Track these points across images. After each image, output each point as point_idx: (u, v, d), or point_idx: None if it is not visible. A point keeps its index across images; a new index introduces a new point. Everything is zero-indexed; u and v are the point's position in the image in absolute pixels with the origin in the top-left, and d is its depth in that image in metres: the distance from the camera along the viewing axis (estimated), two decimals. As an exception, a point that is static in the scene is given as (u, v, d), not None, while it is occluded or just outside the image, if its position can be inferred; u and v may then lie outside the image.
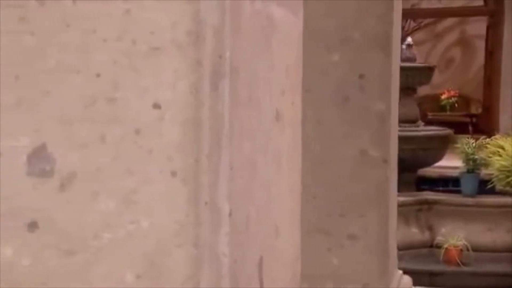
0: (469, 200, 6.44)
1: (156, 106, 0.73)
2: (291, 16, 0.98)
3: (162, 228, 0.74)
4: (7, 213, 0.75)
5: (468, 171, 6.49)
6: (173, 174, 0.73)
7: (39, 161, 0.74)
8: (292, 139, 1.01)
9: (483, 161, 6.36)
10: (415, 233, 6.35)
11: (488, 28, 11.50)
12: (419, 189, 7.02)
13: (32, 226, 0.75)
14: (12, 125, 0.74)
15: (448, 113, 9.56)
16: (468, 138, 6.77)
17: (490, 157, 6.34)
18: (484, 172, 6.48)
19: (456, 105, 9.60)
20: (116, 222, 0.74)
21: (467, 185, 6.50)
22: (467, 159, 6.44)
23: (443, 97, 9.52)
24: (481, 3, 11.77)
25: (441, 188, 7.08)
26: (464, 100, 11.11)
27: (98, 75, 0.74)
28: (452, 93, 9.61)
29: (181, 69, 0.73)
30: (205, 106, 0.73)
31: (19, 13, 0.73)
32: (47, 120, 0.74)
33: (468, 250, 5.99)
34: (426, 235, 6.47)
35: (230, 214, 0.75)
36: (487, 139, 6.60)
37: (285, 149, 0.98)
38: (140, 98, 0.74)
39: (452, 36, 12.59)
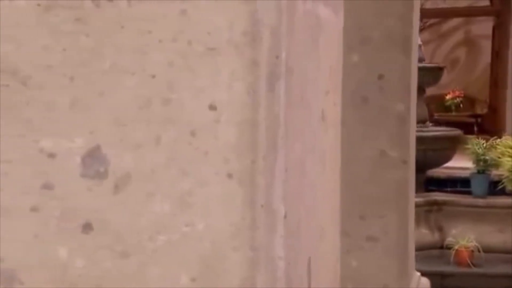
0: (480, 201, 6.43)
1: (212, 107, 0.73)
2: (334, 16, 0.98)
3: (218, 231, 0.73)
4: (62, 215, 0.74)
5: (479, 172, 6.47)
6: (229, 175, 0.73)
7: (93, 162, 0.74)
8: (334, 139, 1.01)
9: (493, 162, 6.35)
10: (425, 234, 6.33)
11: (494, 28, 11.49)
12: (427, 190, 7.01)
13: (87, 227, 0.74)
14: (67, 126, 0.74)
15: (453, 113, 9.55)
16: (479, 138, 6.75)
17: (499, 157, 6.32)
18: (494, 173, 6.46)
19: (461, 105, 9.59)
20: (171, 224, 0.74)
21: (478, 186, 6.48)
22: (478, 160, 6.42)
23: (448, 97, 9.51)
24: (487, 3, 11.76)
25: (449, 189, 7.06)
26: (469, 101, 11.10)
27: (153, 76, 0.73)
28: (457, 93, 9.60)
29: (237, 69, 0.72)
30: (262, 107, 0.73)
31: (75, 14, 0.73)
32: (102, 121, 0.74)
33: (479, 251, 5.97)
34: (436, 236, 6.45)
35: (285, 216, 0.75)
36: (498, 140, 6.58)
37: (328, 150, 0.98)
38: (195, 99, 0.73)
39: (457, 36, 12.58)
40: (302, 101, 0.82)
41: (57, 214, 0.74)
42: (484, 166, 6.42)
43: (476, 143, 6.46)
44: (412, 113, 2.51)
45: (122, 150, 0.74)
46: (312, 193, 0.88)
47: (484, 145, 6.44)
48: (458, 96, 9.51)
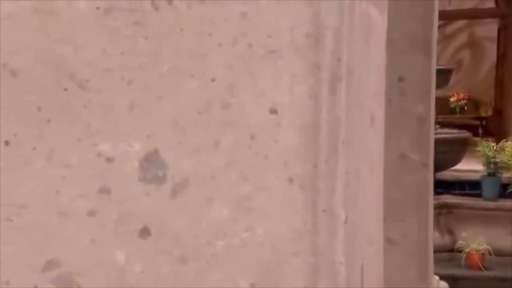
0: (490, 204, 6.41)
1: (273, 111, 0.72)
2: (381, 17, 0.97)
3: (278, 236, 0.72)
4: (120, 219, 0.73)
5: (489, 174, 6.46)
6: (290, 180, 0.72)
7: (151, 166, 0.73)
8: (379, 142, 1.00)
9: (504, 164, 6.33)
10: (435, 237, 6.28)
11: (499, 30, 11.48)
12: (436, 192, 6.99)
13: (144, 232, 0.73)
14: (125, 129, 0.73)
15: (457, 115, 9.54)
16: (489, 141, 6.73)
17: (509, 160, 6.31)
18: (504, 176, 6.45)
19: (465, 107, 9.59)
20: (230, 229, 0.73)
21: (488, 188, 6.47)
22: (488, 162, 6.41)
23: (452, 99, 9.50)
24: (493, 5, 11.75)
25: (457, 192, 7.04)
26: (473, 103, 11.09)
27: (213, 80, 0.73)
28: (462, 95, 9.60)
29: (299, 72, 0.72)
30: (323, 110, 0.72)
31: (134, 17, 0.72)
32: (160, 125, 0.73)
33: (490, 254, 5.96)
34: (447, 239, 6.44)
35: (345, 221, 0.74)
36: (507, 142, 6.56)
37: (375, 152, 0.97)
38: (256, 103, 0.72)
39: (461, 38, 12.57)
40: (358, 104, 0.81)
41: (114, 218, 0.73)
42: (494, 168, 6.40)
43: (486, 145, 6.45)
44: (431, 115, 2.50)
45: (181, 154, 0.73)
46: (364, 197, 0.87)
47: (495, 147, 6.43)
48: (463, 99, 9.50)
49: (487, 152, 6.39)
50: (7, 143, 0.72)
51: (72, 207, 0.73)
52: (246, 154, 0.73)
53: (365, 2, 0.83)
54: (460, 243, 6.17)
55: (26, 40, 0.72)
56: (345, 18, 0.73)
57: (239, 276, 0.73)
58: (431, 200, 2.56)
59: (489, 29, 11.86)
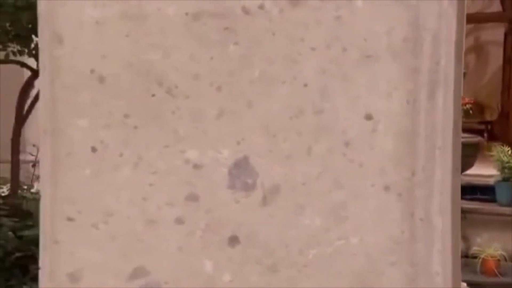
0: (506, 209, 6.37)
1: (368, 116, 0.70)
2: (454, 18, 0.95)
3: (374, 245, 0.70)
4: (208, 227, 0.72)
5: (504, 180, 6.41)
6: (386, 188, 0.70)
7: (240, 173, 0.71)
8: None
9: (518, 170, 6.29)
10: (450, 243, 6.26)
11: (506, 34, 11.45)
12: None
13: (233, 240, 0.72)
14: (213, 136, 0.71)
15: (463, 120, 9.49)
16: (503, 145, 6.68)
17: (523, 165, 6.27)
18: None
19: (471, 112, 9.55)
20: (323, 238, 0.71)
21: (503, 193, 6.42)
22: (503, 167, 6.36)
23: (457, 103, 9.43)
24: (500, 9, 11.72)
25: (468, 197, 6.99)
26: (478, 107, 11.06)
27: (305, 85, 0.71)
28: (467, 100, 9.56)
29: (396, 77, 0.70)
30: (421, 116, 0.70)
31: (224, 23, 0.70)
32: (250, 131, 0.71)
33: (506, 260, 5.92)
34: (461, 245, 6.40)
35: (442, 231, 0.72)
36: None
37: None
38: (350, 109, 0.70)
39: (467, 43, 12.54)
40: (450, 109, 0.79)
41: (202, 226, 0.72)
42: (509, 173, 6.36)
43: (501, 150, 6.40)
44: (460, 121, 2.47)
45: (271, 161, 0.71)
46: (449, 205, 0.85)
47: (509, 152, 6.38)
48: (468, 103, 9.47)
49: (502, 157, 6.35)
50: (94, 149, 0.71)
51: (159, 214, 0.71)
52: (339, 161, 0.71)
53: (449, 2, 0.81)
54: (475, 249, 6.13)
55: (114, 45, 0.70)
56: (442, 20, 0.71)
57: (332, 286, 0.71)
58: (460, 205, 2.54)
59: (494, 33, 11.83)
